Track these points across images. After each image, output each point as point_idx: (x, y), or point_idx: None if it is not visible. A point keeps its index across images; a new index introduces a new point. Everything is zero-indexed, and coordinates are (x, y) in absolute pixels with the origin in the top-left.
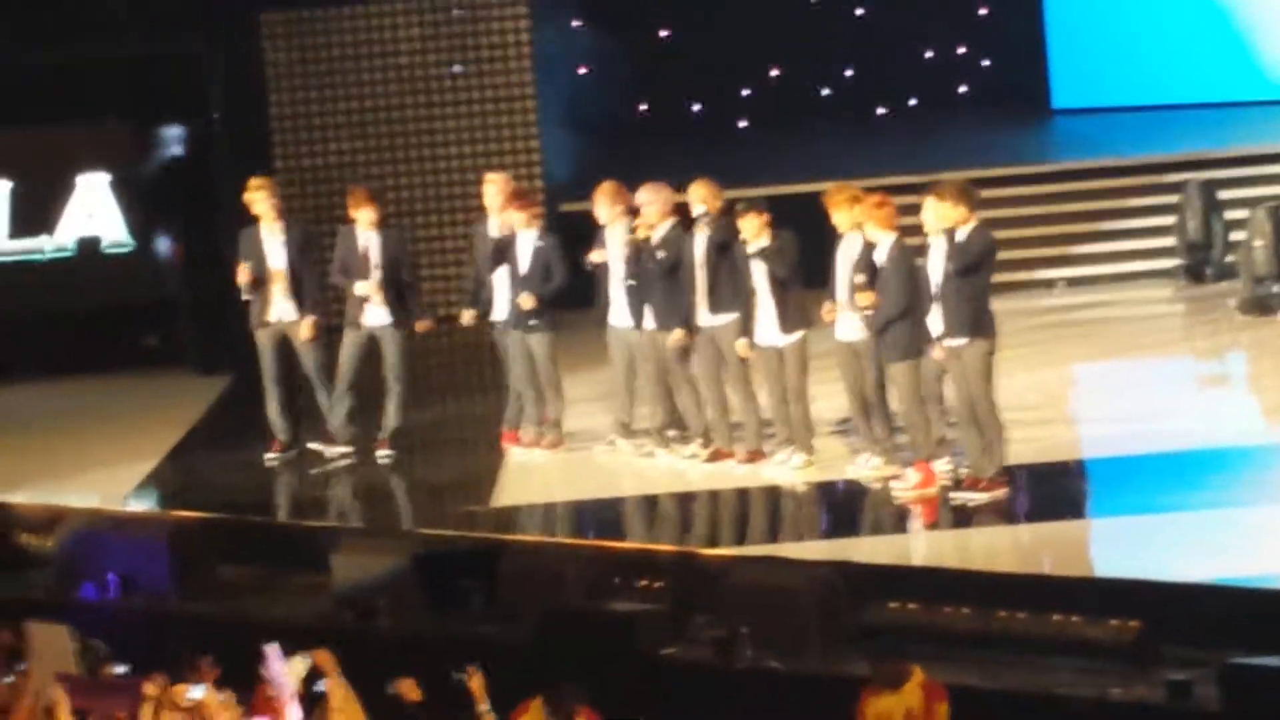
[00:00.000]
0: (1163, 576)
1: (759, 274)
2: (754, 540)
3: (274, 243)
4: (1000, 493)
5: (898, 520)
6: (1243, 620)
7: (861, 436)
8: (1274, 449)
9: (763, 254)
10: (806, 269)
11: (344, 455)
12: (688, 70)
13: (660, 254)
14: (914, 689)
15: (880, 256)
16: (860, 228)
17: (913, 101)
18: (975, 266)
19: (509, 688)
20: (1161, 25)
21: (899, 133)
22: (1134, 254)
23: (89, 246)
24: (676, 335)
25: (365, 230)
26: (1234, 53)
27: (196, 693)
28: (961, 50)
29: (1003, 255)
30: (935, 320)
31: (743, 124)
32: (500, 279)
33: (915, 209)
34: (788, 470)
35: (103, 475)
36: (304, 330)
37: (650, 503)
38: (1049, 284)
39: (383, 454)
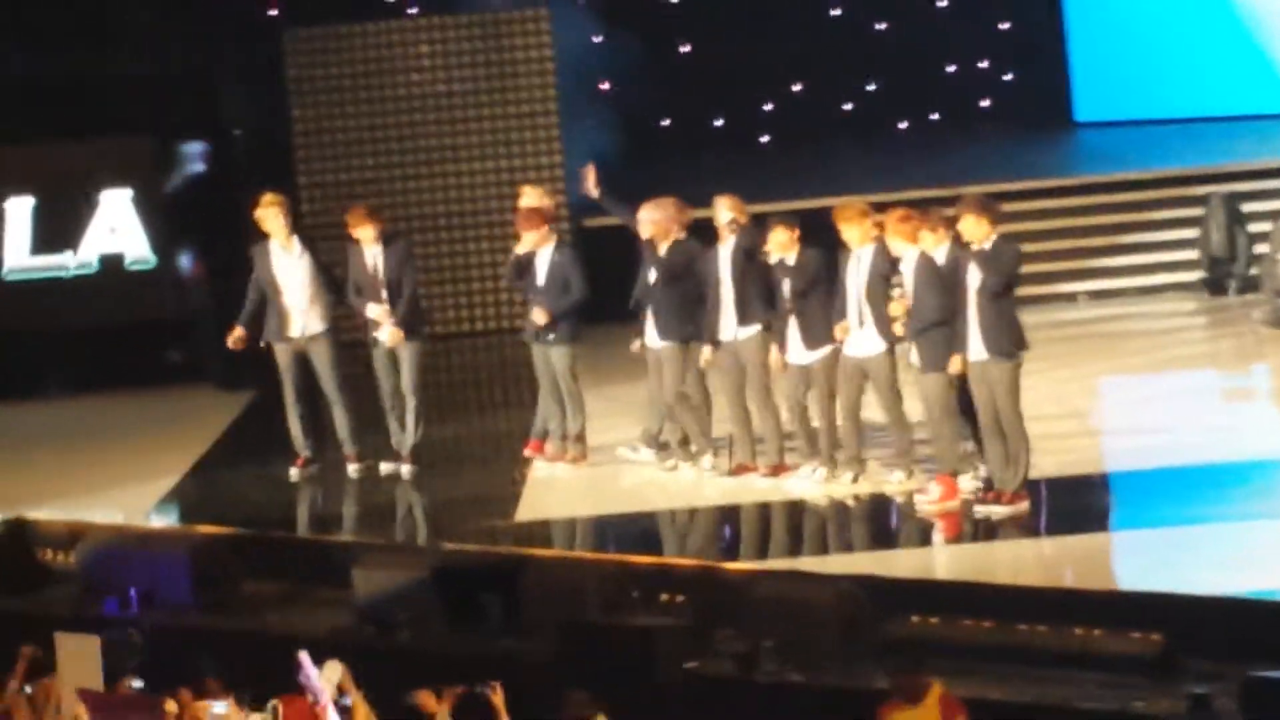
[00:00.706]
0: (1184, 590)
1: (785, 288)
2: (775, 554)
3: (284, 259)
4: (1022, 506)
5: (920, 534)
6: (1264, 633)
7: (843, 450)
8: None
9: (782, 267)
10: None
11: (410, 470)
12: (710, 85)
13: (652, 270)
14: (933, 704)
15: (907, 269)
16: (876, 241)
17: (935, 116)
18: (1007, 279)
19: (530, 702)
20: (1184, 38)
21: (921, 147)
22: (1157, 267)
23: (112, 263)
24: (705, 353)
25: (370, 247)
26: (1257, 65)
27: (220, 708)
28: (984, 64)
29: (1026, 268)
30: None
31: (765, 139)
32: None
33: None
34: (810, 484)
35: (126, 491)
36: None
37: (672, 517)
38: (1071, 297)
39: (405, 468)
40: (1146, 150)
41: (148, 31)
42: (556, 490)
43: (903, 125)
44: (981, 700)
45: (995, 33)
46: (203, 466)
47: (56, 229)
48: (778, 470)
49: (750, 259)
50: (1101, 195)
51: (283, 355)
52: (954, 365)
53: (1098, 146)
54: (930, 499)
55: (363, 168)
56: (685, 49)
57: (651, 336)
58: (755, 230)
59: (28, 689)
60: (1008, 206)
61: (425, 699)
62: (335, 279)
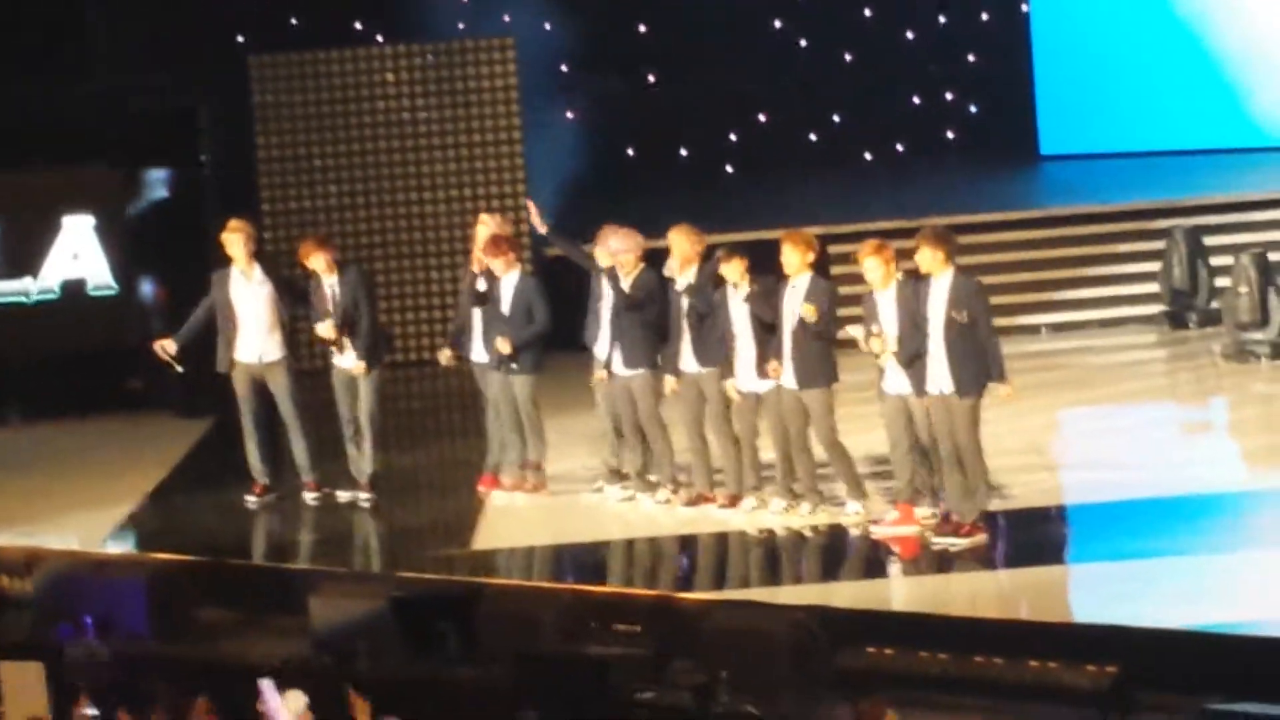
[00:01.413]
0: (1141, 622)
1: (742, 319)
2: (732, 584)
3: (243, 286)
4: (980, 538)
5: (877, 564)
6: (1219, 666)
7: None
8: (1255, 496)
9: (749, 299)
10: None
11: (368, 499)
12: (675, 115)
13: (611, 300)
14: None
15: (883, 300)
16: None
17: (900, 147)
18: (984, 314)
19: None
20: (1149, 73)
21: (886, 178)
22: (1119, 300)
23: (74, 289)
24: (668, 382)
25: (326, 277)
26: (1220, 100)
27: None
28: (949, 96)
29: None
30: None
31: (730, 169)
32: (477, 320)
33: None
34: (768, 515)
35: (82, 517)
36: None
37: (630, 546)
38: (1034, 329)
39: (363, 496)
40: (1110, 184)
41: (113, 59)
42: (514, 519)
43: (868, 156)
44: None
45: (962, 65)
46: (160, 493)
47: (19, 254)
48: (735, 500)
49: (710, 293)
50: (1065, 228)
51: (240, 382)
52: (915, 396)
53: (1062, 179)
54: (886, 522)
55: (327, 195)
56: (651, 78)
57: (618, 365)
58: (712, 262)
59: None
60: (972, 238)
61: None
62: (298, 296)
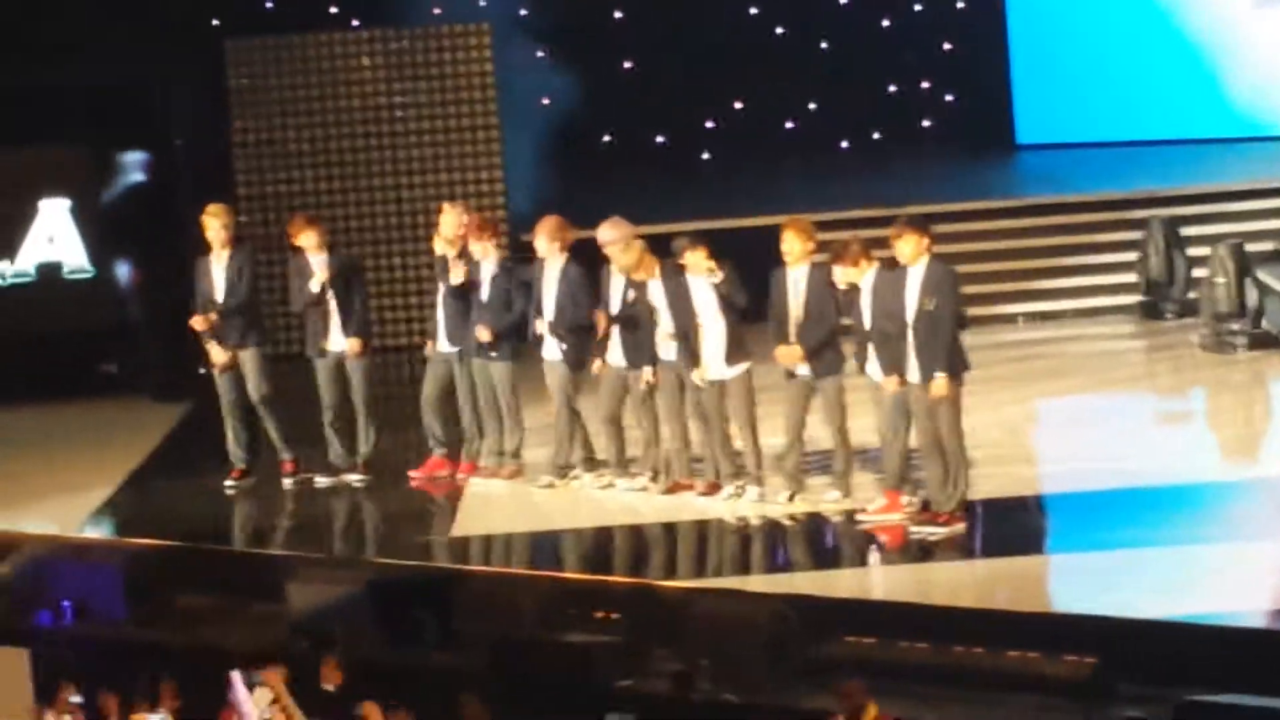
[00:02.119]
0: (1119, 613)
1: (709, 306)
2: (711, 572)
3: (218, 271)
4: (959, 527)
5: (856, 554)
6: (1198, 657)
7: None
8: (1232, 486)
9: (720, 286)
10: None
11: (361, 481)
12: (651, 102)
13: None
14: None
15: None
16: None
17: (876, 135)
18: (953, 304)
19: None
20: (1126, 62)
21: (862, 166)
22: (1096, 290)
23: (49, 272)
24: (645, 373)
25: (314, 255)
26: (1198, 89)
27: (155, 719)
28: (926, 85)
29: (965, 290)
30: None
31: (706, 156)
32: (448, 308)
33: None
34: (745, 503)
35: (59, 502)
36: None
37: (608, 534)
38: (1011, 319)
39: (355, 478)
40: (1087, 173)
41: (88, 40)
42: (493, 506)
43: (844, 144)
44: None
45: (938, 54)
46: (138, 478)
47: None
48: (714, 489)
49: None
50: (1042, 217)
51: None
52: (890, 386)
53: (1039, 169)
54: (872, 509)
55: (303, 179)
56: (628, 65)
57: (616, 356)
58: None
59: None
60: (949, 227)
61: (369, 711)
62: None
